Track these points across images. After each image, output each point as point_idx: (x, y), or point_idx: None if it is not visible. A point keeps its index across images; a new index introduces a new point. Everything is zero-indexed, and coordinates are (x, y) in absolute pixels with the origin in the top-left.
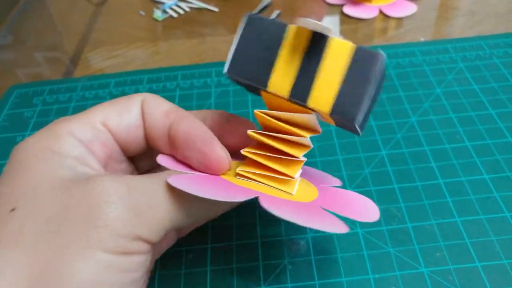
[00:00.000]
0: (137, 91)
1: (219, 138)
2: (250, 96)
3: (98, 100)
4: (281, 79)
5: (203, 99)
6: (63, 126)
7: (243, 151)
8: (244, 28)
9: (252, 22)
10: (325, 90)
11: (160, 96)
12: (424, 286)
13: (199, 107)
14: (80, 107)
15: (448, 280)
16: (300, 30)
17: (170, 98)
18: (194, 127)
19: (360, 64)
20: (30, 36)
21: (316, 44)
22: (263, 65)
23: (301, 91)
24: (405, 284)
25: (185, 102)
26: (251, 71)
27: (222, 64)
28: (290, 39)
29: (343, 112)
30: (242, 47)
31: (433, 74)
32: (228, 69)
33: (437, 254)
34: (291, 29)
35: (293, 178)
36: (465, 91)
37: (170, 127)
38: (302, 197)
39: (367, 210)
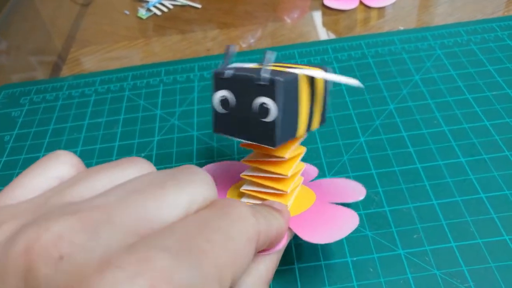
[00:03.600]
0: (122, 88)
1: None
2: None
3: (84, 98)
4: (303, 125)
5: (186, 93)
6: None
7: (242, 175)
8: (280, 97)
9: (282, 87)
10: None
11: (144, 92)
12: (401, 267)
13: (182, 101)
14: (67, 106)
15: (424, 260)
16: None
17: (154, 94)
18: None
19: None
20: (17, 38)
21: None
22: (293, 121)
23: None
24: (382, 265)
25: (169, 97)
26: (287, 132)
27: (205, 58)
28: (302, 88)
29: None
30: (281, 117)
31: (411, 62)
32: (276, 143)
33: (414, 236)
34: (301, 78)
35: (286, 192)
36: (443, 77)
37: None
38: (302, 203)
39: (355, 191)
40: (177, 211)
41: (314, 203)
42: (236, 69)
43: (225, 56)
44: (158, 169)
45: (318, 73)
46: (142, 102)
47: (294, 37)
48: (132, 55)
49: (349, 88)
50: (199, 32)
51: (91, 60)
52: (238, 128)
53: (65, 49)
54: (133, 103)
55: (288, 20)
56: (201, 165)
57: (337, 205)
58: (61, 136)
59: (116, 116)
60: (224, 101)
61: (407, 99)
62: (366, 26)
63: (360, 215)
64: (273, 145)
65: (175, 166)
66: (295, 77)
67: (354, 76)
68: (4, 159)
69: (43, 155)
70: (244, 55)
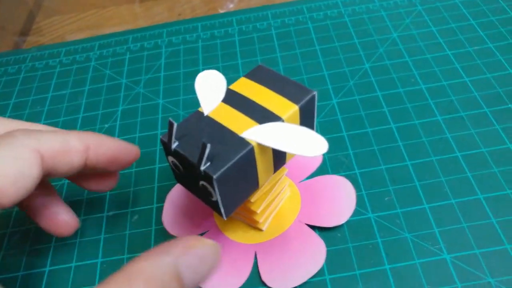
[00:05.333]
0: (88, 58)
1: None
2: (200, 55)
3: (48, 70)
4: (265, 174)
5: (152, 60)
6: None
7: None
8: (218, 186)
9: (223, 179)
10: None
11: (110, 61)
12: (370, 232)
13: (149, 69)
14: (30, 78)
15: (395, 223)
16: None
17: (120, 62)
18: None
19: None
20: None
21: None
22: (248, 181)
23: None
24: (350, 230)
25: (135, 65)
26: (240, 197)
27: (174, 24)
28: (260, 152)
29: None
30: (223, 198)
31: (390, 19)
32: (225, 217)
33: (386, 198)
34: (256, 148)
35: (259, 222)
36: (423, 34)
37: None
38: (281, 222)
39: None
40: None
41: (291, 226)
42: (184, 137)
43: (170, 130)
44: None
45: (279, 143)
46: (107, 71)
47: None
48: (100, 23)
49: (324, 48)
50: None
51: (56, 30)
52: (194, 190)
53: (29, 19)
54: (98, 73)
55: None
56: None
57: (311, 233)
58: (23, 110)
59: (81, 87)
60: (175, 165)
61: (383, 58)
62: None
63: None
64: (224, 217)
65: (139, 136)
66: (247, 155)
67: (329, 36)
68: None
69: None
70: (215, 18)
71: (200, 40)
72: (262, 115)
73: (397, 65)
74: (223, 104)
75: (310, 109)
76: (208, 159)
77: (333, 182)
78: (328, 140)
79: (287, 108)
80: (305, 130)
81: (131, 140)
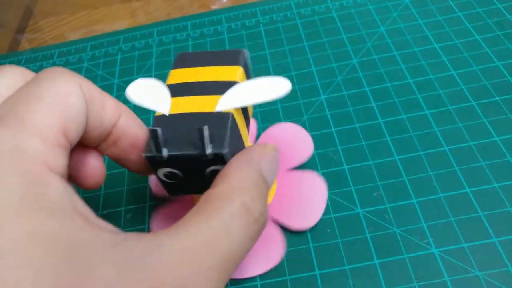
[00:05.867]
0: (80, 59)
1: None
2: None
3: None
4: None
5: (144, 60)
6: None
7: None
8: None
9: (229, 152)
10: None
11: (102, 61)
12: (359, 227)
13: (140, 68)
14: None
15: (383, 219)
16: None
17: (112, 63)
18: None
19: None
20: None
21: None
22: (241, 147)
23: None
24: (340, 226)
25: (127, 65)
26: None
27: (164, 23)
28: (238, 118)
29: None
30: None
31: (377, 13)
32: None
33: (374, 194)
34: (236, 114)
35: None
36: (410, 27)
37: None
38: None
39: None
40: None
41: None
42: (166, 141)
43: (155, 139)
44: None
45: (251, 99)
46: (100, 72)
47: None
48: (92, 25)
49: (312, 44)
50: None
51: (50, 32)
52: (193, 187)
53: (23, 22)
54: (91, 74)
55: None
56: None
57: (303, 175)
58: None
59: None
60: (172, 175)
61: (371, 52)
62: None
63: None
64: None
65: None
66: (232, 123)
67: (317, 32)
68: None
69: None
70: (205, 17)
71: (190, 39)
72: (219, 87)
73: (385, 60)
74: (176, 98)
75: (247, 65)
76: (209, 142)
77: (305, 178)
78: (317, 136)
79: (234, 71)
80: (264, 79)
81: None
